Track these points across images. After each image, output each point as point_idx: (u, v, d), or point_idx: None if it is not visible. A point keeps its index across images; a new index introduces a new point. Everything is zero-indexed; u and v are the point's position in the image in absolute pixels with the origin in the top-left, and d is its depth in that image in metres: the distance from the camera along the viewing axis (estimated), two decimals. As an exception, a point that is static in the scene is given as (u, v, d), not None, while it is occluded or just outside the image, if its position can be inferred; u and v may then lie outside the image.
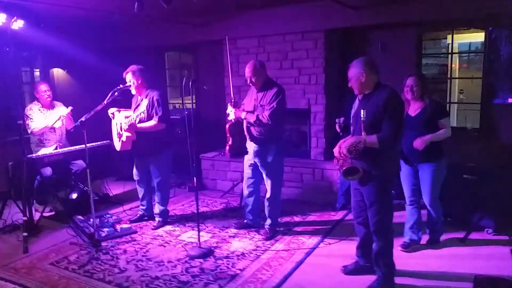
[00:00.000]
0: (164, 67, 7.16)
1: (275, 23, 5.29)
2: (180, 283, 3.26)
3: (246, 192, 4.27)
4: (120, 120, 4.26)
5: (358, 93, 3.02)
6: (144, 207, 4.68)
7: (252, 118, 3.84)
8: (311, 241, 4.00)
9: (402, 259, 3.34)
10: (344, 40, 5.40)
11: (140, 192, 4.63)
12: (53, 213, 4.95)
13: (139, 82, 4.27)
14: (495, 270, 3.24)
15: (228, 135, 3.89)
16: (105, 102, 4.01)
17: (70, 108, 4.90)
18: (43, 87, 4.97)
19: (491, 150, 4.56)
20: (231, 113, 3.85)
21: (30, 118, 4.88)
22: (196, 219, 3.99)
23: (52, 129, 5.03)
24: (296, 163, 5.27)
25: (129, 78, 4.27)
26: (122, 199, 5.52)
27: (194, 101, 4.01)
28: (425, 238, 3.81)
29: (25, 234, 3.98)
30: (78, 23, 5.90)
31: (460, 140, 4.58)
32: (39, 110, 4.95)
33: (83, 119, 3.83)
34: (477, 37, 6.07)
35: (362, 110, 2.86)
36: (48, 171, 4.95)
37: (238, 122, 3.89)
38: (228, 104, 3.92)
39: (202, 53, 6.63)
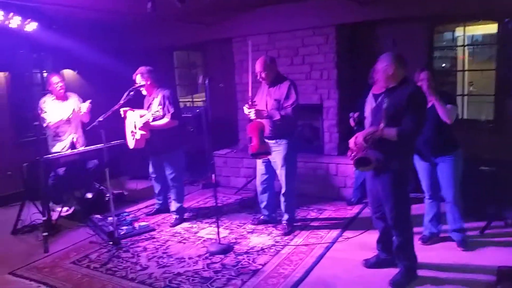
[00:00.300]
0: (172, 66, 7.19)
1: (284, 19, 5.30)
2: (202, 279, 3.28)
3: (260, 188, 4.28)
4: (134, 119, 4.29)
5: (384, 86, 3.02)
6: (160, 202, 4.82)
7: (276, 116, 3.82)
8: (329, 235, 4.02)
9: (422, 252, 3.33)
10: (354, 35, 5.40)
11: (157, 188, 4.75)
12: (70, 212, 4.98)
13: (149, 83, 4.37)
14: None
15: (250, 135, 3.85)
16: (121, 101, 4.04)
17: (88, 101, 4.91)
18: (55, 78, 4.93)
19: (506, 141, 4.55)
20: (251, 113, 3.79)
21: (44, 111, 4.88)
22: (213, 215, 4.01)
23: (67, 121, 5.03)
24: (310, 159, 5.28)
25: (138, 79, 4.35)
26: (136, 198, 5.56)
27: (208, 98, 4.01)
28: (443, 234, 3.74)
29: (45, 233, 4.01)
30: (87, 25, 5.93)
31: (473, 132, 4.60)
32: (53, 102, 4.95)
33: (100, 118, 3.85)
34: (481, 29, 6.03)
35: (385, 101, 2.88)
36: (60, 170, 4.99)
37: (258, 121, 3.83)
38: (246, 105, 3.84)
39: (211, 51, 6.65)
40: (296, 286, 3.12)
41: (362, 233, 4.00)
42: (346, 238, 3.94)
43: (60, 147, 5.00)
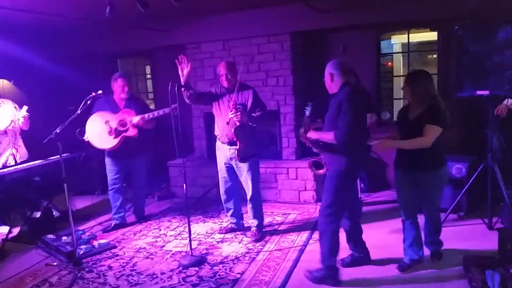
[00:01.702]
0: (117, 74, 6.87)
1: (240, 26, 5.31)
2: (182, 293, 3.15)
3: (224, 196, 4.22)
4: (109, 118, 4.28)
5: (329, 92, 3.17)
6: (120, 215, 4.65)
7: (255, 121, 3.81)
8: (300, 238, 4.06)
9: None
10: (307, 42, 5.55)
11: (117, 200, 4.59)
12: (14, 234, 4.52)
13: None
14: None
15: (235, 139, 3.77)
16: (78, 111, 3.80)
17: (25, 108, 4.61)
18: None
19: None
20: (236, 116, 3.70)
21: None
22: (175, 228, 3.86)
23: (4, 132, 4.64)
24: (270, 164, 5.31)
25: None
26: (85, 215, 5.22)
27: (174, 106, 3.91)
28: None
29: (-8, 259, 3.62)
30: (26, 30, 5.47)
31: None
32: None
33: (57, 130, 3.58)
34: (414, 37, 6.50)
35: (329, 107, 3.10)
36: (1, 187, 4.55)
37: (242, 125, 3.77)
38: (231, 111, 3.73)
39: (160, 58, 6.46)
40: (280, 292, 3.10)
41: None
42: (316, 240, 3.99)
43: (0, 163, 4.57)
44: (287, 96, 5.32)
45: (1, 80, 5.84)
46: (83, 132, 4.26)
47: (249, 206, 4.11)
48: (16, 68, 5.79)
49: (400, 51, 7.29)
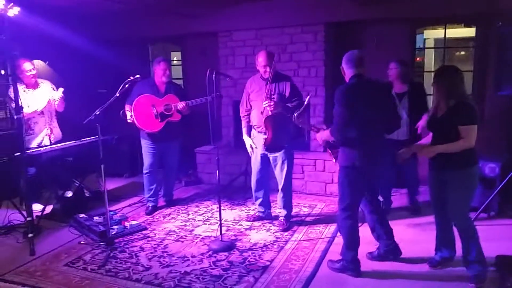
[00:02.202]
0: (147, 59, 6.94)
1: (273, 15, 5.29)
2: (213, 277, 3.20)
3: (255, 185, 4.26)
4: (154, 102, 4.39)
5: None
6: (156, 198, 4.78)
7: (289, 111, 3.79)
8: (328, 230, 4.07)
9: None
10: (340, 33, 5.49)
11: (151, 184, 4.70)
12: (48, 211, 4.65)
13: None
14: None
15: (265, 129, 3.82)
16: (118, 94, 3.85)
17: (61, 89, 4.76)
18: (28, 65, 4.65)
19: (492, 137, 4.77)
20: (270, 106, 3.73)
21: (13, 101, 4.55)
22: (203, 213, 3.93)
23: (41, 112, 4.76)
24: (297, 155, 5.26)
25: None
26: (115, 196, 5.33)
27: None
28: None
29: (30, 235, 3.73)
30: (61, 12, 5.55)
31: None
32: (24, 91, 4.61)
33: (97, 112, 3.65)
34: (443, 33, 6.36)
35: None
36: (36, 167, 4.68)
37: (273, 115, 3.80)
38: (265, 101, 3.76)
39: (191, 45, 6.49)
40: (310, 281, 3.13)
41: (359, 226, 4.08)
42: (344, 233, 4.00)
43: (36, 142, 4.70)
44: (318, 88, 5.29)
45: (37, 61, 5.94)
46: (124, 113, 4.38)
47: (280, 195, 4.14)
48: (51, 49, 5.91)
49: (433, 46, 7.18)
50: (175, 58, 7.89)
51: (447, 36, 5.70)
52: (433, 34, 7.09)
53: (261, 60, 3.89)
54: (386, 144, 3.27)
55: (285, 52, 5.35)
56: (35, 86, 4.77)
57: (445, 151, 2.93)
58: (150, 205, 4.71)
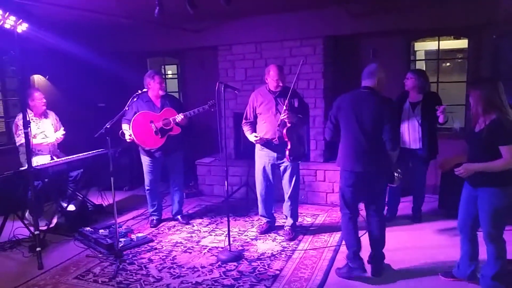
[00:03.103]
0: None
1: (272, 29, 5.42)
2: (225, 287, 3.25)
3: (264, 196, 4.30)
4: (152, 119, 4.33)
5: None
6: (160, 212, 4.79)
7: (300, 122, 4.03)
8: (332, 238, 4.14)
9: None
10: (337, 46, 5.64)
11: (153, 200, 4.68)
12: (52, 225, 4.64)
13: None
14: None
15: (286, 139, 3.90)
16: (127, 108, 3.92)
17: (63, 131, 4.94)
18: (39, 94, 4.82)
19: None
20: (288, 118, 3.84)
21: (21, 129, 4.61)
22: (207, 224, 3.95)
23: (45, 137, 4.84)
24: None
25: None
26: (118, 209, 5.29)
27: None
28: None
29: (38, 249, 3.72)
30: (61, 25, 5.60)
31: (447, 139, 4.99)
32: (32, 119, 4.66)
33: (108, 125, 3.68)
34: (433, 45, 6.54)
35: None
36: (41, 181, 4.68)
37: (293, 126, 3.91)
38: (285, 112, 3.85)
39: (190, 59, 6.59)
40: (321, 288, 3.19)
41: (363, 235, 4.16)
42: (349, 241, 4.08)
43: (42, 160, 4.73)
44: (317, 99, 5.41)
45: (37, 75, 5.98)
46: (123, 133, 4.29)
47: (287, 204, 4.22)
48: (50, 63, 5.93)
49: (423, 58, 7.38)
50: (169, 72, 7.98)
51: (435, 48, 5.89)
52: (423, 46, 7.31)
53: (272, 73, 3.99)
54: (384, 153, 3.27)
55: (285, 65, 5.40)
56: (42, 115, 4.90)
57: (484, 170, 2.80)
58: (155, 219, 4.71)
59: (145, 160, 4.52)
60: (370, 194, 3.38)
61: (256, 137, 4.08)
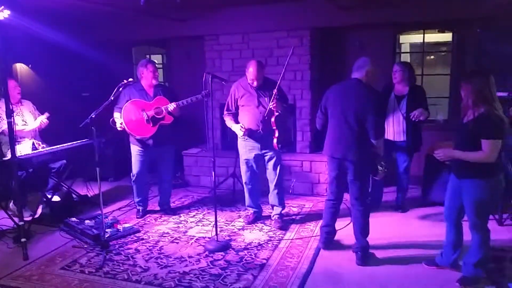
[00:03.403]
0: (131, 62, 6.92)
1: (260, 20, 5.40)
2: (212, 276, 3.28)
3: (249, 185, 4.35)
4: (143, 107, 4.26)
5: None
6: (146, 203, 4.74)
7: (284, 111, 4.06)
8: (318, 228, 4.18)
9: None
10: (324, 38, 5.66)
11: (144, 189, 4.66)
12: (37, 216, 4.59)
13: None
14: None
15: (274, 127, 3.96)
16: (112, 97, 3.87)
17: (46, 115, 4.83)
18: (13, 83, 4.74)
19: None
20: (274, 107, 3.88)
21: (2, 118, 4.56)
22: (194, 215, 3.96)
23: (26, 125, 4.78)
24: (284, 157, 5.40)
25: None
26: (103, 200, 5.23)
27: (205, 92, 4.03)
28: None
29: (23, 239, 3.69)
30: (45, 12, 5.48)
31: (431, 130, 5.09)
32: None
33: (93, 115, 3.65)
34: (418, 38, 6.62)
35: None
36: (24, 172, 4.62)
37: (280, 115, 3.97)
38: (273, 98, 3.89)
39: (176, 48, 6.53)
40: (307, 277, 3.25)
41: (348, 225, 4.24)
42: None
43: (24, 149, 4.65)
44: (303, 91, 5.44)
45: (20, 64, 5.86)
46: (114, 121, 4.26)
47: (274, 192, 4.28)
48: (33, 52, 5.82)
49: (408, 51, 7.46)
50: (155, 61, 7.90)
51: (420, 41, 5.97)
52: (408, 39, 7.39)
53: (251, 71, 4.01)
54: (366, 143, 3.38)
55: (272, 56, 5.47)
56: (18, 103, 4.84)
57: (463, 159, 2.87)
58: (140, 209, 4.67)
59: (136, 150, 4.45)
60: (352, 183, 3.47)
61: (242, 127, 4.09)
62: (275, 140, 4.00)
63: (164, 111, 4.28)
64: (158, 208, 4.84)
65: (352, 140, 3.35)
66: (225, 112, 4.31)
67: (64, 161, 4.84)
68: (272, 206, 4.38)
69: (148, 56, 7.42)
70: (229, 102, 4.27)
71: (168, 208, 4.77)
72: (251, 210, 4.46)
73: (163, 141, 4.41)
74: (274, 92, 3.88)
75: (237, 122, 4.21)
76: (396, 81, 4.39)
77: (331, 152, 3.49)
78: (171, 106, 4.25)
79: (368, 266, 3.41)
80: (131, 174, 4.58)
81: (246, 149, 4.23)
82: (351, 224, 4.10)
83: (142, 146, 4.41)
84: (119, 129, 4.24)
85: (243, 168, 4.33)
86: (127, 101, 4.25)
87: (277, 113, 3.90)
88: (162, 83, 7.43)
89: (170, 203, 4.89)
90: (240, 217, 4.59)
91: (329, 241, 3.74)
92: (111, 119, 4.23)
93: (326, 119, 3.55)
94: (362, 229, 3.49)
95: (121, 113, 4.20)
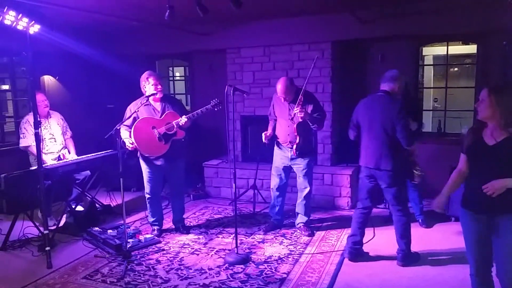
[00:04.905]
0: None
1: (281, 33, 5.44)
2: (232, 289, 3.27)
3: (276, 193, 4.46)
4: (154, 124, 4.08)
5: None
6: (159, 223, 4.53)
7: (315, 121, 4.11)
8: (340, 243, 4.15)
9: None
10: (346, 50, 5.65)
11: (158, 208, 4.49)
12: (61, 225, 4.69)
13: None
14: None
15: (296, 134, 4.07)
16: (137, 110, 3.94)
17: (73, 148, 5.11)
18: (41, 96, 4.87)
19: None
20: (300, 113, 3.93)
21: (23, 133, 4.74)
22: (214, 226, 3.97)
23: (53, 138, 4.91)
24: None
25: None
26: (126, 210, 5.34)
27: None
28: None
29: (47, 248, 3.77)
30: (74, 27, 5.66)
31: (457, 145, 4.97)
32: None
33: (117, 127, 3.72)
34: (441, 50, 6.52)
35: None
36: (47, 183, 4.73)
37: (303, 122, 4.04)
38: (297, 109, 3.95)
39: (198, 61, 6.62)
40: (328, 293, 3.20)
41: (370, 240, 4.17)
42: (356, 245, 4.08)
43: (50, 158, 4.79)
44: (325, 103, 5.39)
45: (47, 76, 6.04)
46: (124, 142, 4.07)
47: (303, 203, 4.36)
48: (60, 64, 6.00)
49: (432, 63, 7.38)
50: (177, 74, 8.03)
51: (444, 53, 5.90)
52: (431, 51, 7.31)
53: (280, 88, 4.08)
54: (397, 151, 3.51)
55: (293, 69, 5.48)
56: (46, 116, 4.99)
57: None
58: (156, 229, 4.46)
59: (145, 168, 4.29)
60: (386, 191, 3.61)
61: (265, 133, 4.28)
62: (294, 146, 4.11)
63: (175, 126, 4.07)
64: (173, 226, 4.62)
65: (382, 150, 3.50)
66: (269, 116, 4.50)
67: (89, 172, 4.94)
68: (297, 214, 4.44)
69: (170, 68, 7.56)
70: (270, 110, 4.45)
71: (182, 226, 4.55)
72: (275, 216, 4.53)
73: (174, 157, 4.21)
74: (299, 98, 3.94)
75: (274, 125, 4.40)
76: None
77: (365, 162, 3.64)
78: (183, 120, 4.03)
79: (407, 267, 3.55)
80: (145, 192, 4.42)
81: (278, 157, 4.38)
82: (374, 238, 4.08)
83: (151, 164, 4.24)
84: (129, 148, 4.09)
85: (272, 174, 4.48)
86: (134, 118, 4.06)
87: (300, 120, 3.98)
88: (184, 94, 7.56)
89: (184, 220, 4.68)
90: (260, 229, 4.56)
91: (355, 251, 3.73)
92: (121, 140, 3.94)
93: (358, 131, 3.70)
94: (402, 234, 3.59)
95: (130, 132, 4.04)
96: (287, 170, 4.36)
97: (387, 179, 3.52)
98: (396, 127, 3.41)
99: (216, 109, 4.08)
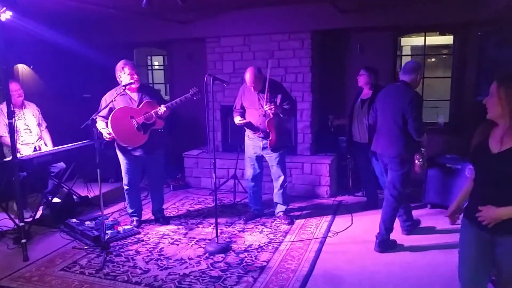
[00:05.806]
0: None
1: (261, 22, 5.40)
2: (212, 278, 3.27)
3: (252, 183, 4.45)
4: (132, 113, 3.97)
5: None
6: (139, 213, 4.49)
7: (286, 112, 4.14)
8: (318, 231, 4.20)
9: None
10: (325, 40, 5.67)
11: (136, 199, 4.43)
12: (37, 217, 4.60)
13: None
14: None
15: (268, 130, 4.05)
16: (114, 99, 3.86)
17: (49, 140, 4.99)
18: (15, 85, 4.71)
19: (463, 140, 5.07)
20: (270, 109, 3.96)
21: (4, 124, 4.62)
22: (194, 216, 3.97)
23: (28, 129, 4.79)
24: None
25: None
26: (104, 201, 5.23)
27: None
28: None
29: (23, 240, 3.69)
30: (49, 14, 5.49)
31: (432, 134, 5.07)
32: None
33: (94, 116, 3.65)
34: (419, 40, 6.61)
35: None
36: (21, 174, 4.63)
37: (275, 117, 4.03)
38: (266, 105, 3.98)
39: (177, 50, 6.53)
40: (307, 279, 3.24)
41: (348, 227, 4.24)
42: (335, 233, 4.14)
43: (26, 150, 4.67)
44: (304, 93, 5.44)
45: (21, 65, 5.87)
46: (100, 132, 3.91)
47: (280, 192, 4.37)
48: (34, 53, 5.84)
49: (410, 53, 7.46)
50: (156, 63, 7.91)
51: (421, 43, 5.97)
52: (409, 42, 7.39)
53: (248, 77, 4.06)
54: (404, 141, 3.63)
55: (273, 58, 5.46)
56: (21, 106, 4.83)
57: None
58: (135, 220, 4.40)
59: (123, 159, 4.20)
60: (388, 173, 3.78)
61: (240, 120, 4.20)
62: (268, 142, 4.13)
63: (154, 116, 3.99)
64: (153, 217, 4.58)
65: (390, 137, 3.67)
66: (234, 109, 4.44)
67: (63, 165, 4.84)
68: (276, 204, 4.46)
69: (149, 57, 7.44)
70: (236, 102, 4.41)
71: (161, 216, 4.51)
72: (254, 206, 4.54)
73: (153, 147, 4.14)
74: (265, 96, 3.95)
75: (243, 118, 4.29)
76: (361, 84, 4.60)
77: (373, 147, 3.90)
78: (161, 110, 3.95)
79: (385, 253, 3.64)
80: (123, 184, 4.34)
81: (250, 147, 4.35)
82: (351, 226, 4.14)
83: (129, 154, 4.16)
84: (106, 139, 3.97)
85: (246, 165, 4.46)
86: (110, 108, 3.94)
87: (271, 116, 3.99)
88: (163, 84, 7.46)
89: (164, 211, 4.63)
90: (240, 219, 4.58)
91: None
92: (97, 130, 3.74)
93: (377, 117, 3.88)
94: (386, 219, 3.69)
95: (107, 122, 3.93)
96: (260, 159, 4.37)
97: (391, 164, 3.70)
98: (407, 119, 3.52)
99: (195, 98, 4.01)
